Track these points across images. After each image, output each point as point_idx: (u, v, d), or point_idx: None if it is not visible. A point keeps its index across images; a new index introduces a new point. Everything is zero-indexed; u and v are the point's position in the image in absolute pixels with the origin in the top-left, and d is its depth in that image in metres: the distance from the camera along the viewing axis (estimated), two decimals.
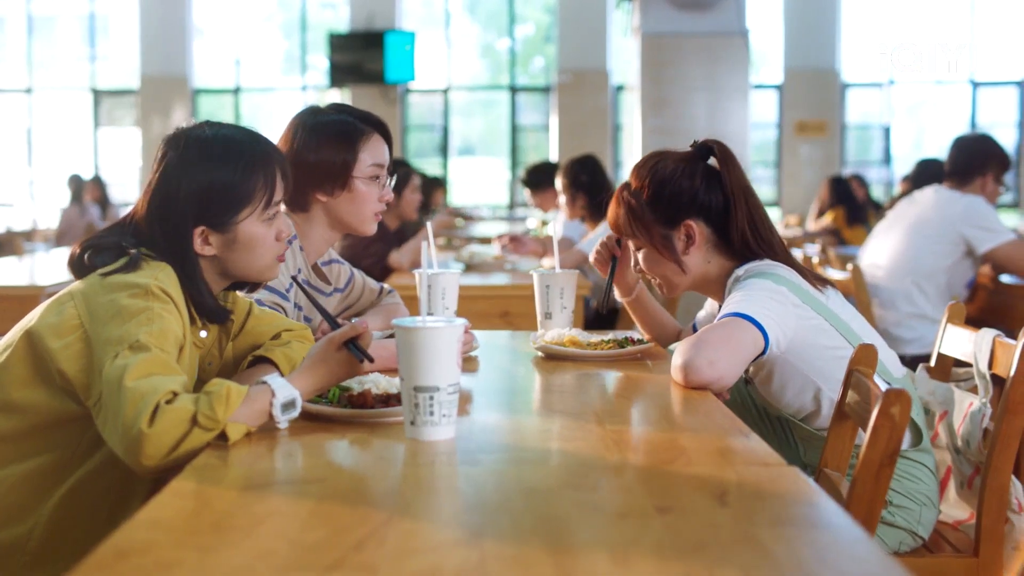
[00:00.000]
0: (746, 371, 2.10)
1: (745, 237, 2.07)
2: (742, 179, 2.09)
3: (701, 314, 2.38)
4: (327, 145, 2.19)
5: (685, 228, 2.08)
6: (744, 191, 2.08)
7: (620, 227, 2.18)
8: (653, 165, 2.13)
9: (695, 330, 2.33)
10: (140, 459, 1.39)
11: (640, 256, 2.16)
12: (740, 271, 2.05)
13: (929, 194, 4.18)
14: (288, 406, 1.48)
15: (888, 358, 2.03)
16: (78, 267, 1.65)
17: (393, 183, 2.30)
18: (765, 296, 1.93)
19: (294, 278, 1.88)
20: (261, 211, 1.68)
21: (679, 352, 1.86)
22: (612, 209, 2.18)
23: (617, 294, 2.37)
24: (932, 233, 4.05)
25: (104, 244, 1.66)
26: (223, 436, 1.41)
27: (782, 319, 1.92)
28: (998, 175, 4.12)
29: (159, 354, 1.47)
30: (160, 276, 1.58)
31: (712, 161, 2.13)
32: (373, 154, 2.22)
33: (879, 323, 4.06)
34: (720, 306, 2.20)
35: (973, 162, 4.10)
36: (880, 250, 4.26)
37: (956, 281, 4.08)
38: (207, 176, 1.64)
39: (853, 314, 2.07)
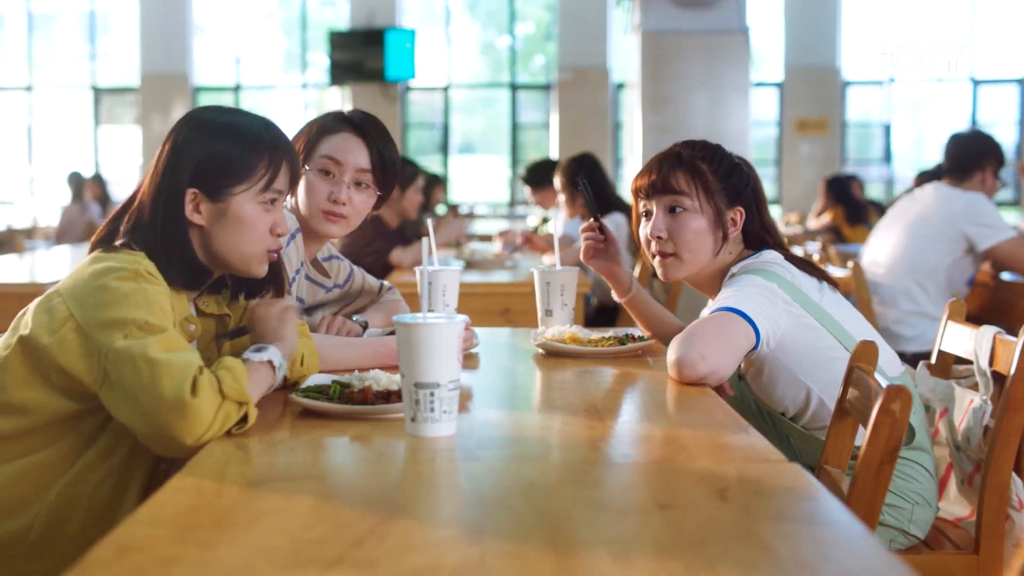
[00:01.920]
0: (739, 366, 2.10)
1: (763, 236, 2.11)
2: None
3: (705, 312, 2.38)
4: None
5: (738, 212, 2.10)
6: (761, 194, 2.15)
7: (673, 185, 2.07)
8: (717, 148, 2.13)
9: None
10: (178, 432, 1.39)
11: (673, 220, 2.08)
12: (736, 268, 2.06)
13: (929, 192, 4.18)
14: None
15: (885, 357, 2.03)
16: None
17: (349, 182, 2.16)
18: (755, 292, 1.94)
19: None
20: (258, 192, 1.66)
21: (672, 348, 1.87)
22: (661, 170, 2.09)
23: (614, 294, 2.37)
24: (933, 231, 4.05)
25: (104, 233, 1.68)
26: (242, 421, 1.45)
27: (773, 315, 1.93)
28: (996, 170, 4.13)
29: (173, 333, 1.49)
30: (142, 261, 1.59)
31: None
32: (327, 147, 2.18)
33: (880, 321, 4.06)
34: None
35: (971, 158, 4.10)
36: (880, 248, 4.26)
37: (957, 278, 4.07)
38: (211, 142, 1.65)
39: (849, 313, 2.06)
